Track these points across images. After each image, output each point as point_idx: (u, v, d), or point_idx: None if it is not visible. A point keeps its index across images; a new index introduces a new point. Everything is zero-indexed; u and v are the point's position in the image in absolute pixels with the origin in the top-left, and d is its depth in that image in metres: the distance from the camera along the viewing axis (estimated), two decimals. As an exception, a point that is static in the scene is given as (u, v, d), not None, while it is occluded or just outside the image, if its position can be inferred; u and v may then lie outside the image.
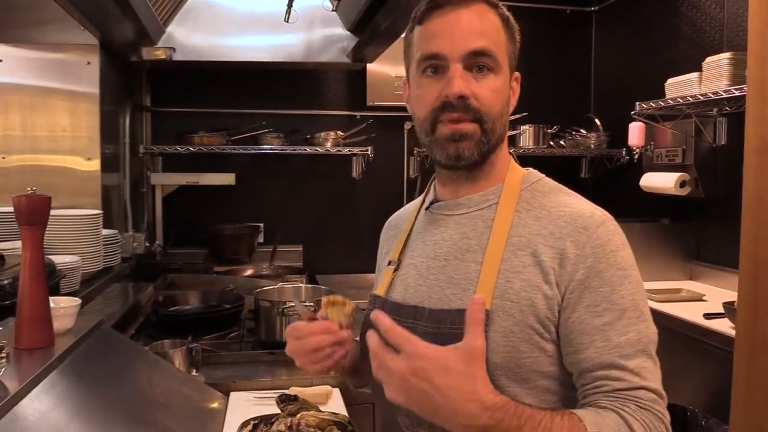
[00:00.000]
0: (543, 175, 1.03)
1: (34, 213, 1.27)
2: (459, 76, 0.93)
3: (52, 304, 1.33)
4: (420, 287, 1.00)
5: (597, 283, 0.88)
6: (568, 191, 1.00)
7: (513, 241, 0.93)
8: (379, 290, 1.07)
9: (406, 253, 1.07)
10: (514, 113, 1.05)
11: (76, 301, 1.46)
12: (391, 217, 1.22)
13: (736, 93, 2.35)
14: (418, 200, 1.15)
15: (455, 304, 0.93)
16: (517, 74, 1.02)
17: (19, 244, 1.30)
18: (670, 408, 0.87)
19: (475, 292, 0.91)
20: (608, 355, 0.86)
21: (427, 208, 1.07)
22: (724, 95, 2.43)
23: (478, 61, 0.93)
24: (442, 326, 0.93)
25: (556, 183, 1.02)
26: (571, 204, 0.95)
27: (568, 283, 0.88)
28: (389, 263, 1.09)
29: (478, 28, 0.94)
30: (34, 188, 1.31)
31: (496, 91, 0.95)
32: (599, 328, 0.87)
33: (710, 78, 2.54)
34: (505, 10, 0.99)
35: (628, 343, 0.87)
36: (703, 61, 2.60)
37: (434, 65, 0.95)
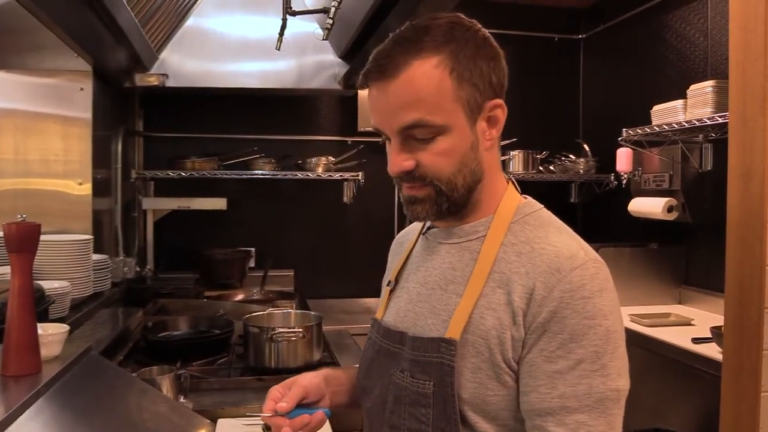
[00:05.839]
0: (541, 207, 0.98)
1: (23, 240, 1.27)
2: (396, 153, 0.91)
3: (39, 331, 1.33)
4: (408, 313, 1.00)
5: (557, 328, 0.83)
6: (559, 227, 0.94)
7: (494, 277, 0.90)
8: (378, 313, 1.08)
9: (403, 275, 1.08)
10: (502, 138, 1.02)
11: (64, 327, 1.46)
12: (399, 234, 1.21)
13: (720, 120, 2.39)
14: None
15: (433, 333, 0.93)
16: (494, 103, 0.92)
17: (8, 269, 1.30)
18: (660, 433, 0.87)
19: (450, 323, 0.91)
20: (549, 404, 0.83)
21: (424, 233, 1.07)
22: (709, 122, 2.47)
23: (412, 134, 0.89)
24: (416, 353, 0.93)
25: (550, 217, 0.97)
26: (554, 242, 0.90)
27: (530, 325, 0.85)
28: (388, 283, 1.10)
29: (407, 99, 0.88)
30: (24, 215, 1.32)
31: (444, 153, 0.90)
32: (548, 374, 0.84)
33: (695, 105, 2.58)
34: (454, 45, 0.89)
35: (575, 396, 0.82)
36: (688, 88, 2.65)
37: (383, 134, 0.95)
